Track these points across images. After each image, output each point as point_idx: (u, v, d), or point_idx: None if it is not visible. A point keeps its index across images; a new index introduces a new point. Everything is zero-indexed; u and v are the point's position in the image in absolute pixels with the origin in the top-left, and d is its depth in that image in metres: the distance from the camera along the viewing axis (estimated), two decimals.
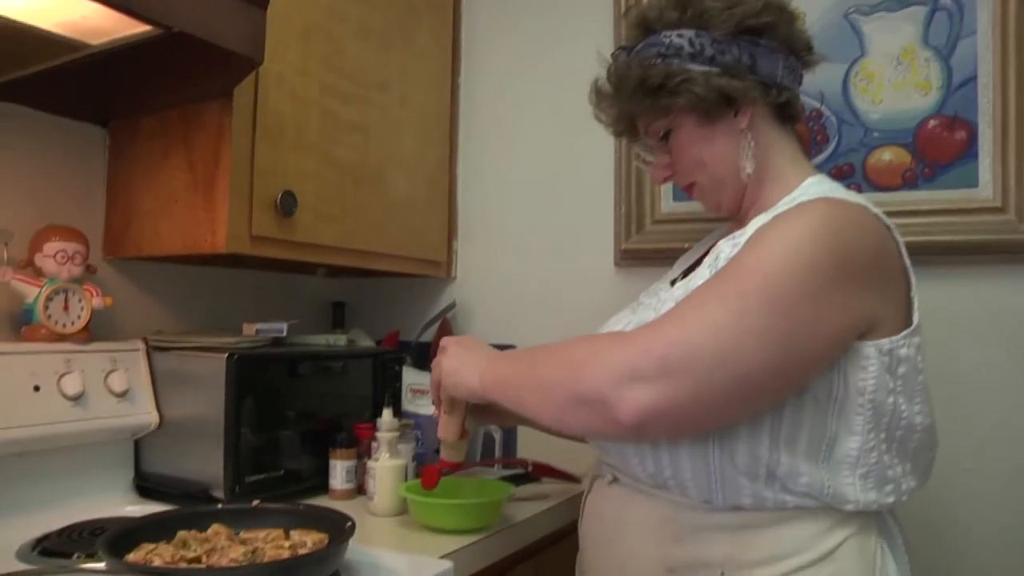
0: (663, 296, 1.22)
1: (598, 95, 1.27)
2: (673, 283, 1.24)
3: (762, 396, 0.97)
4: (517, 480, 1.65)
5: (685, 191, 1.28)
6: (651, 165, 1.29)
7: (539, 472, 1.74)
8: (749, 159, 1.17)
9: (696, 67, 1.14)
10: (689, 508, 1.07)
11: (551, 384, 1.03)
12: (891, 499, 1.05)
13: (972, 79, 1.60)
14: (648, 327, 1.00)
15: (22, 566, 1.15)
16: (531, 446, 1.81)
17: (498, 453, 1.82)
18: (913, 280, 1.07)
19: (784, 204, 1.11)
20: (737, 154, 1.18)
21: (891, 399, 1.01)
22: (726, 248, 1.11)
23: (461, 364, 1.20)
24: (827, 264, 0.97)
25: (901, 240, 1.07)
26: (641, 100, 1.18)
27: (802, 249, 0.97)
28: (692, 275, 1.16)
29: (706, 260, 1.14)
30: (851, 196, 1.09)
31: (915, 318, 1.05)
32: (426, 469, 1.36)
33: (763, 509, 1.04)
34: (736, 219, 1.25)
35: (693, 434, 1.02)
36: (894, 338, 1.01)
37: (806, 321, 0.95)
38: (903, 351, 1.02)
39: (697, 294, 1.01)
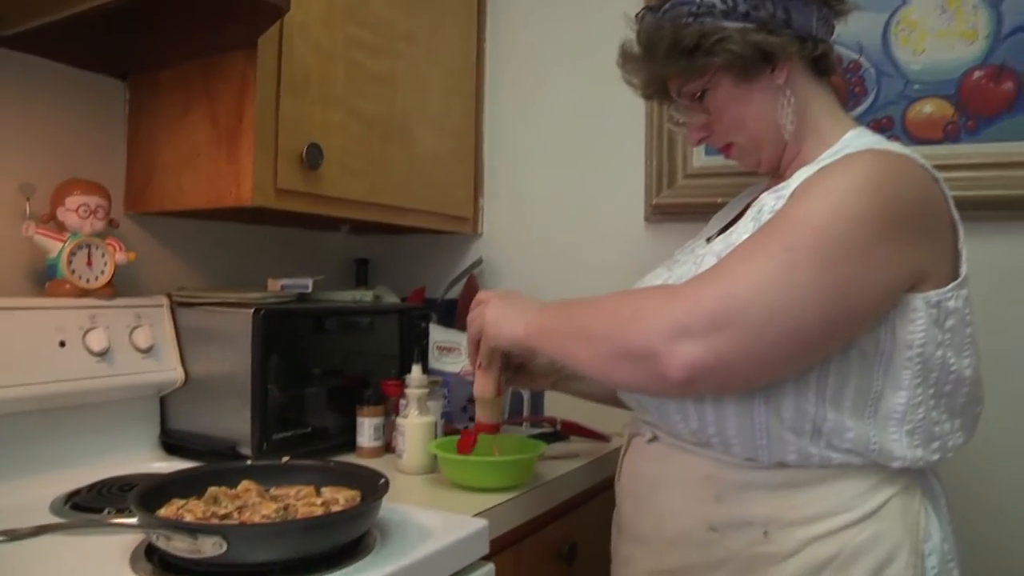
0: (700, 252, 1.19)
1: (626, 58, 1.23)
2: (709, 240, 1.21)
3: (812, 351, 0.95)
4: (546, 438, 1.63)
5: (721, 151, 1.24)
6: (685, 127, 1.25)
7: (568, 430, 1.73)
8: (789, 116, 1.14)
9: (731, 24, 1.10)
10: (732, 466, 1.05)
11: (599, 337, 1.01)
12: (937, 456, 1.03)
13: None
14: (696, 281, 0.97)
15: (57, 520, 1.14)
16: (559, 405, 1.78)
17: (526, 412, 1.79)
18: (961, 232, 1.04)
19: (827, 157, 1.07)
20: (776, 111, 1.14)
21: (939, 352, 0.99)
22: (769, 201, 1.08)
23: (505, 313, 1.17)
24: (875, 215, 0.94)
25: (948, 191, 1.04)
26: (675, 62, 1.15)
27: (850, 201, 0.94)
28: (732, 229, 1.12)
29: (748, 214, 1.10)
30: (896, 147, 1.06)
31: (963, 270, 1.02)
32: (463, 434, 1.33)
33: (807, 466, 1.01)
34: (775, 175, 1.21)
35: (740, 391, 0.99)
36: (942, 290, 0.99)
37: (856, 274, 0.93)
38: (951, 303, 0.99)
39: (744, 248, 0.98)
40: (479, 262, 2.04)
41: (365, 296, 1.78)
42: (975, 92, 1.58)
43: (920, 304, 0.97)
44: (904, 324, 0.97)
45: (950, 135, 1.61)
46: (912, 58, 1.65)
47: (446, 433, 1.55)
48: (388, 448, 1.55)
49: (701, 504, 1.07)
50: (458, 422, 1.68)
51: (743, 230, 1.08)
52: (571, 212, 2.01)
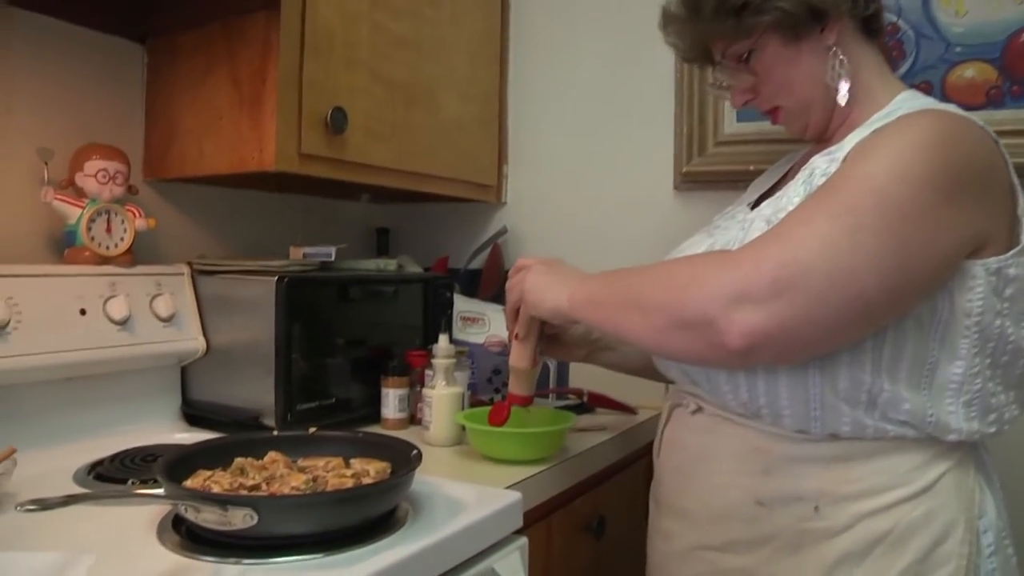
0: (746, 217, 1.15)
1: (668, 19, 1.19)
2: (753, 206, 1.17)
3: (874, 317, 0.91)
4: (572, 410, 1.59)
5: (767, 115, 1.20)
6: (727, 90, 1.21)
7: (594, 402, 1.70)
8: (839, 78, 1.09)
9: None
10: (782, 438, 1.01)
11: (653, 306, 0.97)
12: (993, 428, 1.00)
13: None
14: (754, 246, 0.93)
15: (81, 490, 1.11)
16: (583, 376, 1.75)
17: (552, 383, 1.76)
18: (1021, 197, 1.00)
19: (879, 119, 1.03)
20: (825, 73, 1.10)
21: (998, 322, 0.95)
22: (822, 164, 1.04)
23: (547, 282, 1.14)
24: (939, 177, 0.90)
25: (1008, 156, 1.00)
26: (723, 22, 1.11)
27: (913, 162, 0.90)
28: (781, 193, 1.08)
29: (799, 177, 1.06)
30: (955, 108, 1.02)
31: (1023, 237, 0.98)
32: (496, 406, 1.30)
33: (861, 438, 0.98)
34: (821, 141, 1.17)
35: (799, 360, 0.96)
36: (1002, 257, 0.95)
37: (919, 237, 0.89)
38: (1011, 271, 0.95)
39: (802, 211, 0.94)
40: (503, 231, 2.00)
41: (389, 265, 1.75)
42: (1021, 55, 1.53)
43: (980, 271, 0.93)
44: (963, 292, 0.94)
45: (993, 100, 1.56)
46: (954, 20, 1.59)
47: (472, 404, 1.52)
48: (413, 420, 1.53)
49: (749, 478, 1.03)
50: (483, 393, 1.65)
51: (793, 194, 1.04)
52: (598, 180, 1.96)
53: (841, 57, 1.08)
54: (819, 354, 0.94)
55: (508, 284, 1.20)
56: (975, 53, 1.57)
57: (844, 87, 1.09)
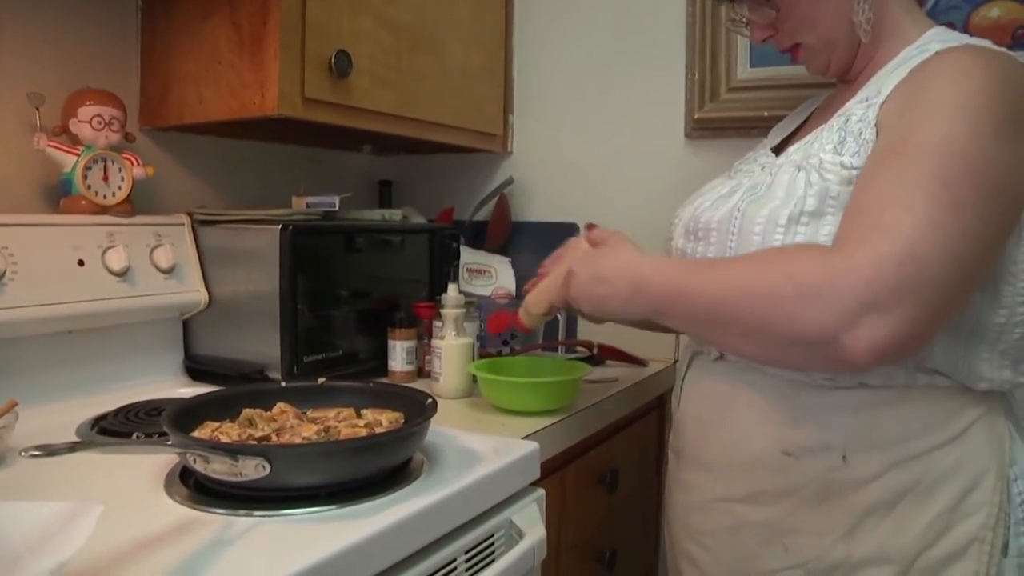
0: (764, 161, 1.11)
1: None
2: (776, 152, 1.13)
3: (976, 286, 0.89)
4: (583, 363, 1.57)
5: (786, 53, 1.15)
6: (747, 27, 1.16)
7: (605, 354, 1.67)
8: (865, 13, 1.03)
9: None
10: (809, 386, 0.97)
11: (757, 328, 0.89)
12: (1023, 379, 0.97)
13: None
14: (859, 241, 0.84)
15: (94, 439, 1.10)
16: (593, 329, 1.72)
17: (561, 335, 1.73)
18: None
19: (913, 56, 0.98)
20: (851, 8, 1.04)
21: None
22: (858, 110, 0.99)
23: (614, 311, 1.06)
24: (1008, 124, 0.87)
25: None
26: None
27: (983, 113, 0.86)
28: (812, 137, 1.03)
29: (833, 122, 1.01)
30: (988, 43, 0.97)
31: None
32: (499, 312, 1.25)
33: (890, 386, 0.94)
34: (843, 80, 1.12)
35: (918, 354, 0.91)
36: None
37: (1007, 197, 0.86)
38: None
39: (890, 187, 0.86)
40: (509, 181, 1.95)
41: (394, 215, 1.71)
42: None
43: None
44: (1010, 238, 0.90)
45: (1020, 41, 1.50)
46: None
47: (480, 357, 1.48)
48: (421, 372, 1.50)
49: (775, 427, 1.00)
50: (491, 346, 1.61)
51: (827, 140, 0.99)
52: (606, 129, 1.91)
53: None
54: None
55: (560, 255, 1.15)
56: None
57: (867, 24, 1.04)
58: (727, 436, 1.05)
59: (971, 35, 1.51)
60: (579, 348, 1.69)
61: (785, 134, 1.21)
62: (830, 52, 1.09)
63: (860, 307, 0.80)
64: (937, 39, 1.00)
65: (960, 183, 0.83)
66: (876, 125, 0.95)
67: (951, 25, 1.52)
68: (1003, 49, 0.95)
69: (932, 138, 0.86)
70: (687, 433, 1.13)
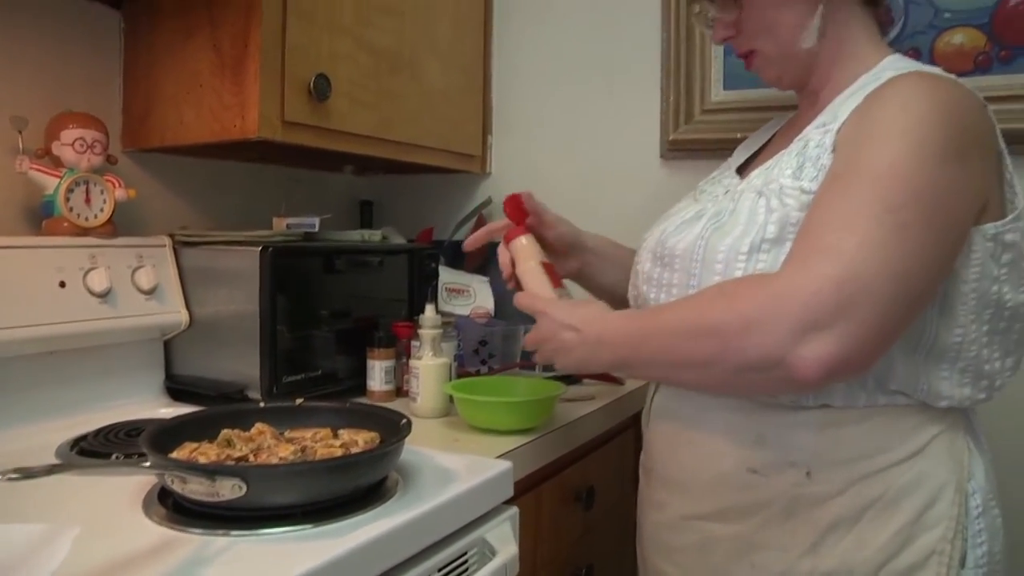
0: (728, 183, 1.14)
1: None
2: (741, 172, 1.15)
3: (925, 305, 0.92)
4: (559, 381, 1.59)
5: (741, 58, 1.18)
6: (712, 25, 1.19)
7: (581, 373, 1.68)
8: (815, 32, 1.08)
9: None
10: (774, 407, 1.00)
11: (708, 360, 0.91)
12: (983, 395, 1.00)
13: None
14: (799, 266, 0.88)
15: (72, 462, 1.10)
16: None
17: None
18: (1009, 161, 0.99)
19: (868, 83, 1.02)
20: (808, 22, 1.08)
21: (995, 287, 0.95)
22: (815, 136, 1.02)
23: (579, 358, 1.07)
24: (952, 148, 0.90)
25: (995, 120, 0.99)
26: None
27: (928, 139, 0.89)
28: (772, 162, 1.05)
29: (792, 147, 1.04)
30: (940, 71, 1.01)
31: (1019, 202, 0.98)
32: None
33: (853, 407, 0.97)
34: (807, 100, 1.15)
35: (871, 369, 0.93)
36: (999, 223, 0.95)
37: (951, 218, 0.89)
38: (1008, 236, 0.95)
39: (834, 212, 0.89)
40: (488, 202, 1.98)
41: (373, 236, 1.73)
42: (1011, 20, 1.52)
43: (977, 238, 0.93)
44: (961, 259, 0.93)
45: (981, 66, 1.55)
46: None
47: (459, 376, 1.50)
48: (399, 392, 1.51)
49: (741, 446, 1.02)
50: (470, 365, 1.63)
51: (786, 165, 1.02)
52: (583, 150, 1.94)
53: (823, 13, 1.07)
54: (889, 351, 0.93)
55: (537, 341, 1.13)
56: (964, 19, 1.56)
57: (811, 42, 1.08)
58: (694, 455, 1.07)
59: (936, 61, 1.57)
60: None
61: (749, 153, 1.24)
62: (784, 63, 1.13)
63: (802, 327, 0.83)
64: (892, 66, 1.03)
65: (903, 206, 0.86)
66: (833, 151, 0.98)
67: (916, 51, 1.58)
68: (951, 76, 0.98)
69: (878, 163, 0.89)
70: (656, 452, 1.15)
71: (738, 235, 0.98)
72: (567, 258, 1.33)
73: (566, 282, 1.25)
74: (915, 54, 1.59)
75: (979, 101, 0.97)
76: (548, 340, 1.09)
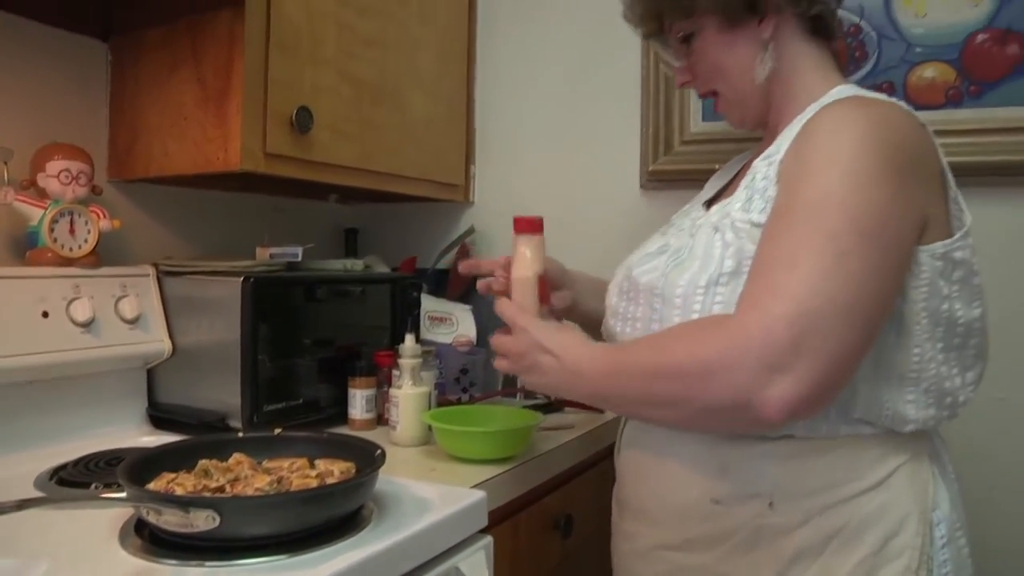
0: (694, 216, 1.16)
1: None
2: (708, 205, 1.18)
3: (879, 330, 0.93)
4: (540, 409, 1.60)
5: (703, 97, 1.22)
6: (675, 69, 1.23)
7: (562, 401, 1.70)
8: (766, 71, 1.11)
9: None
10: (738, 438, 1.02)
11: (674, 401, 0.94)
12: (947, 413, 1.02)
13: None
14: (752, 307, 0.89)
15: (38, 494, 1.10)
16: None
17: (520, 382, 1.76)
18: (951, 180, 1.01)
19: (810, 112, 1.04)
20: (756, 64, 1.11)
21: (945, 305, 0.97)
22: (761, 168, 1.04)
23: (547, 379, 1.09)
24: (887, 171, 0.92)
25: (935, 140, 1.01)
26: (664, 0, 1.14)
27: (859, 163, 0.91)
28: (729, 199, 1.07)
29: (743, 182, 1.06)
30: (880, 96, 1.04)
31: (967, 219, 1.00)
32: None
33: (815, 437, 0.99)
34: (767, 135, 1.18)
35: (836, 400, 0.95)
36: (947, 242, 0.97)
37: (893, 239, 0.91)
38: (958, 254, 0.97)
39: (779, 249, 0.91)
40: (471, 231, 2.00)
41: (356, 265, 1.74)
42: (979, 56, 1.55)
43: (925, 258, 0.95)
44: (909, 279, 0.95)
45: (952, 100, 1.58)
46: (914, 21, 1.61)
47: (440, 404, 1.52)
48: (381, 420, 1.52)
49: (705, 477, 1.04)
50: (451, 393, 1.65)
51: (735, 199, 1.04)
52: (565, 179, 1.97)
53: (771, 52, 1.10)
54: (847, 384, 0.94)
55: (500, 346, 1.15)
56: (935, 54, 1.60)
57: (762, 78, 1.11)
58: (661, 486, 1.09)
59: (909, 94, 1.60)
60: (538, 395, 1.72)
61: (719, 187, 1.27)
62: (743, 104, 1.16)
63: (762, 371, 0.85)
64: (836, 95, 1.05)
65: (842, 233, 0.88)
66: (777, 182, 1.00)
67: (891, 84, 1.61)
68: (888, 100, 1.01)
69: (813, 193, 0.92)
70: (626, 482, 1.17)
71: (696, 270, 1.00)
72: (560, 289, 1.34)
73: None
74: (889, 87, 1.63)
75: (915, 122, 0.99)
76: (523, 356, 1.10)
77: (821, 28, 1.14)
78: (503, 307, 1.16)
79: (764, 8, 1.09)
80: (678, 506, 1.07)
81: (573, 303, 1.33)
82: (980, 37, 1.55)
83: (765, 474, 1.00)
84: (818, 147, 0.96)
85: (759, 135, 1.21)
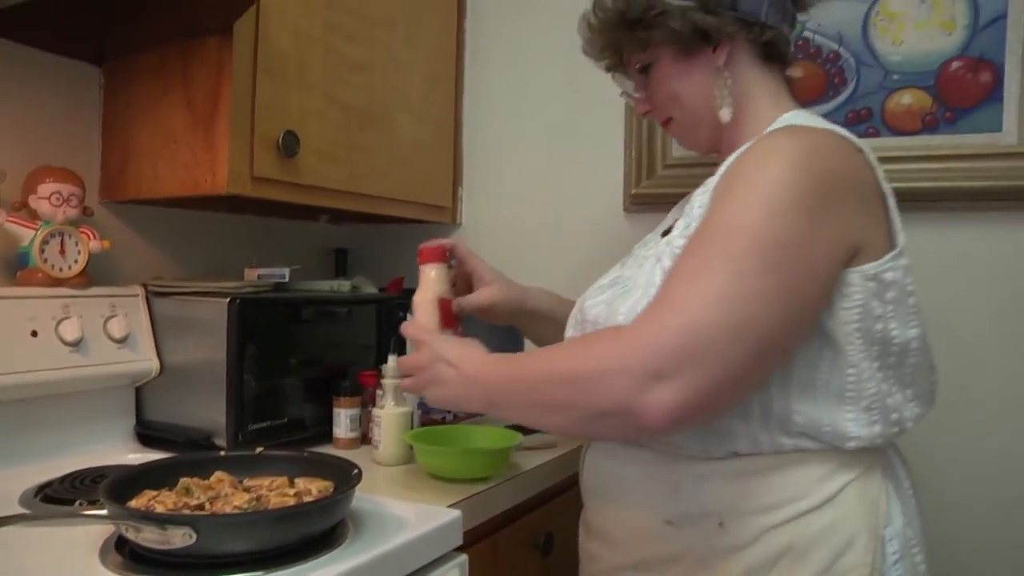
0: (651, 246, 1.18)
1: (584, 27, 1.23)
2: (665, 234, 1.20)
3: (785, 349, 0.95)
4: (522, 429, 1.62)
5: (663, 127, 1.24)
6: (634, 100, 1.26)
7: None
8: (726, 98, 1.13)
9: (674, 0, 1.11)
10: (687, 458, 1.04)
11: (565, 405, 0.97)
12: (895, 429, 1.03)
13: (1001, 17, 1.55)
14: (646, 318, 0.94)
15: (20, 511, 1.11)
16: None
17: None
18: (891, 201, 1.03)
19: (757, 136, 1.06)
20: (712, 91, 1.14)
21: (879, 325, 0.98)
22: (698, 195, 1.07)
23: (446, 392, 1.12)
24: (806, 197, 0.93)
25: (876, 163, 1.04)
26: (620, 32, 1.16)
27: (777, 191, 0.93)
28: (672, 228, 1.10)
29: (685, 209, 1.09)
30: (818, 122, 1.06)
31: (899, 240, 1.01)
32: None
33: (761, 454, 1.01)
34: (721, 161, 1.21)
35: (726, 412, 0.98)
36: (878, 263, 0.98)
37: (801, 263, 0.92)
38: (889, 275, 0.98)
39: (685, 267, 0.95)
40: None
41: (342, 286, 1.77)
42: (953, 83, 1.59)
43: (856, 279, 0.96)
44: (840, 300, 0.96)
45: (929, 126, 1.61)
46: (891, 49, 1.65)
47: (423, 423, 1.54)
48: (365, 439, 1.54)
49: (659, 498, 1.07)
50: (435, 413, 1.67)
51: (677, 228, 1.06)
52: (550, 201, 2.00)
53: (727, 79, 1.12)
54: (740, 401, 0.97)
55: (406, 365, 1.19)
56: (911, 81, 1.63)
57: (727, 108, 1.12)
58: (618, 508, 1.12)
59: (887, 120, 1.63)
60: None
61: (678, 216, 1.29)
62: (696, 130, 1.18)
63: (645, 377, 0.88)
64: (784, 122, 1.08)
65: (741, 254, 0.90)
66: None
67: (869, 110, 1.64)
68: (827, 127, 1.03)
69: (726, 217, 0.95)
70: (589, 506, 1.19)
71: (637, 298, 1.03)
72: (507, 320, 1.39)
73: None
74: (868, 113, 1.66)
75: (850, 148, 1.01)
76: (423, 369, 1.13)
77: (774, 54, 1.16)
78: (406, 327, 1.23)
79: (717, 36, 1.11)
80: (634, 528, 1.09)
81: (521, 302, 1.37)
82: (954, 65, 1.59)
83: (714, 494, 1.02)
84: (743, 173, 0.99)
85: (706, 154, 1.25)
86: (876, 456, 1.04)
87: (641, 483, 1.09)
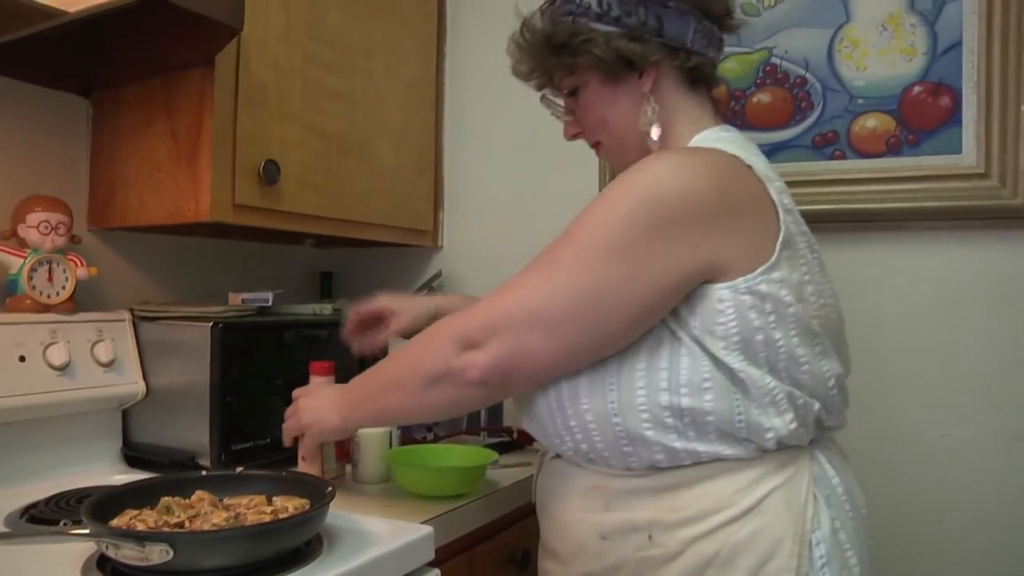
0: None
1: (513, 48, 1.26)
2: None
3: (597, 343, 1.03)
4: (502, 447, 1.66)
5: (593, 149, 1.28)
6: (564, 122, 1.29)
7: (524, 439, 1.76)
8: (650, 123, 1.15)
9: (600, 27, 1.13)
10: (615, 476, 1.09)
11: (402, 378, 1.13)
12: (814, 428, 1.07)
13: (957, 44, 1.60)
14: (479, 301, 1.11)
15: (4, 531, 1.15)
16: (517, 414, 1.81)
17: (483, 421, 1.82)
18: (782, 216, 1.04)
19: None
20: (639, 116, 1.16)
21: (760, 336, 1.00)
22: None
23: (316, 412, 1.26)
24: (645, 216, 0.99)
25: (772, 177, 1.07)
26: (547, 57, 1.20)
27: (618, 205, 1.01)
28: None
29: None
30: (716, 142, 1.10)
31: (772, 257, 1.01)
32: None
33: (680, 466, 1.04)
34: None
35: (539, 384, 1.09)
36: (748, 277, 1.00)
37: (622, 272, 0.99)
38: (763, 287, 1.00)
39: (528, 263, 1.08)
40: (438, 275, 2.07)
41: (324, 309, 1.81)
42: (915, 107, 1.64)
43: (726, 294, 0.99)
44: (713, 315, 1.00)
45: (892, 148, 1.66)
46: (855, 74, 1.70)
47: (403, 442, 1.57)
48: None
49: (593, 514, 1.10)
50: (416, 432, 1.71)
51: None
52: (532, 223, 2.03)
53: (653, 104, 1.15)
54: (556, 375, 1.07)
55: (285, 425, 1.33)
56: (875, 105, 1.68)
57: (655, 132, 1.15)
58: (559, 525, 1.16)
59: (852, 143, 1.68)
60: (501, 434, 1.78)
61: None
62: (624, 153, 1.20)
63: (461, 340, 1.06)
64: (693, 143, 1.12)
65: (563, 257, 1.03)
66: None
67: (835, 133, 1.69)
68: (709, 147, 1.08)
69: (570, 226, 1.05)
70: (541, 525, 1.23)
71: None
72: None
73: None
74: (834, 136, 1.71)
75: (729, 166, 1.05)
76: (301, 415, 1.29)
77: (700, 78, 1.19)
78: (296, 393, 1.36)
79: (642, 64, 1.13)
80: (574, 543, 1.13)
81: (433, 314, 1.45)
82: (916, 89, 1.64)
83: (642, 508, 1.06)
84: (603, 192, 1.06)
85: None
86: (804, 462, 1.06)
87: (579, 500, 1.13)
